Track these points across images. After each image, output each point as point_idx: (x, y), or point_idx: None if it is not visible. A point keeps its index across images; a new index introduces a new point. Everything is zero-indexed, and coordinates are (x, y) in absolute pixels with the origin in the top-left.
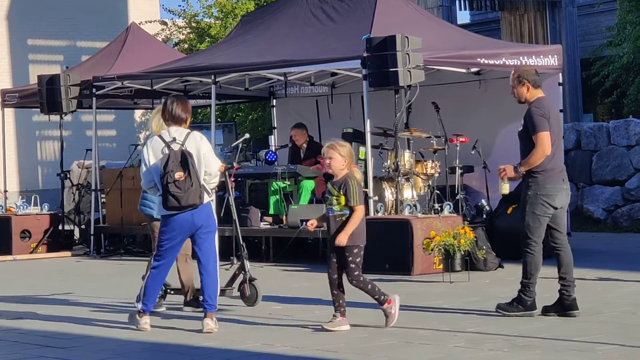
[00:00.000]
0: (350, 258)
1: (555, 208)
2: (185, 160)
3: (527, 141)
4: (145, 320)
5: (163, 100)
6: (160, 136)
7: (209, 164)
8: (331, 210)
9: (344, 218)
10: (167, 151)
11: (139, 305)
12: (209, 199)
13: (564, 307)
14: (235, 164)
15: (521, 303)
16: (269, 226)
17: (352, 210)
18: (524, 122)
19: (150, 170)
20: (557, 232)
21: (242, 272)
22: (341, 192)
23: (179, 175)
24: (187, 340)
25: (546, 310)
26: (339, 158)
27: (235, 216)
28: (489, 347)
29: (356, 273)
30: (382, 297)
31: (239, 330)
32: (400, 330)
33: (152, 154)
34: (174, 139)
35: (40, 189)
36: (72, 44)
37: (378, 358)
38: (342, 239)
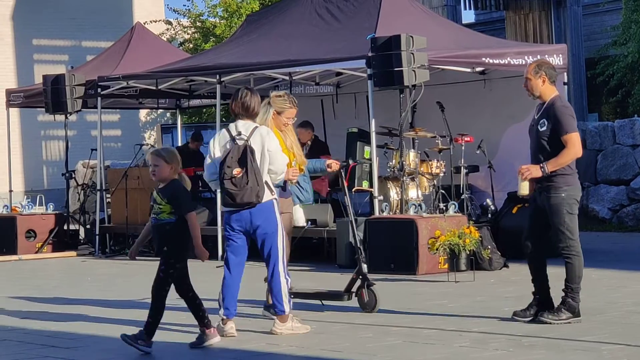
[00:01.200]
0: (186, 270)
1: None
2: (244, 156)
3: (552, 140)
4: (231, 325)
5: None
6: (228, 129)
7: (274, 161)
8: (155, 219)
9: (167, 227)
10: (229, 146)
11: (222, 312)
12: (271, 197)
13: None
14: (350, 161)
15: (570, 309)
16: None
17: (183, 219)
18: (548, 120)
19: (215, 163)
20: None
21: (361, 276)
22: (164, 200)
23: (236, 171)
24: (192, 341)
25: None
26: (164, 165)
27: (352, 217)
28: (494, 347)
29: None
30: (207, 320)
31: (244, 330)
32: (405, 330)
33: (217, 147)
34: (240, 134)
35: (46, 188)
36: (77, 43)
37: (383, 358)
38: (203, 254)
